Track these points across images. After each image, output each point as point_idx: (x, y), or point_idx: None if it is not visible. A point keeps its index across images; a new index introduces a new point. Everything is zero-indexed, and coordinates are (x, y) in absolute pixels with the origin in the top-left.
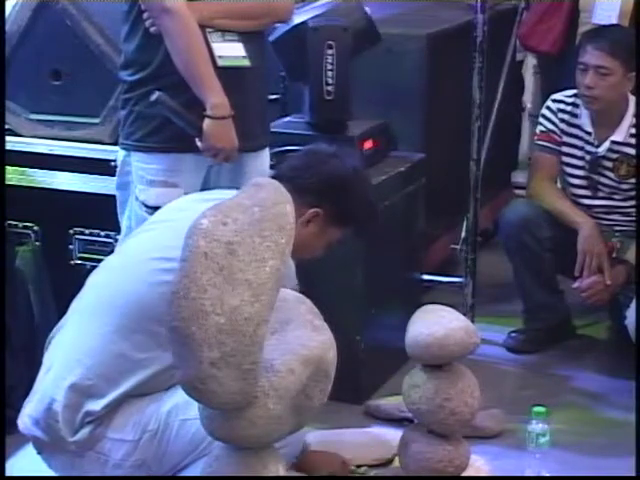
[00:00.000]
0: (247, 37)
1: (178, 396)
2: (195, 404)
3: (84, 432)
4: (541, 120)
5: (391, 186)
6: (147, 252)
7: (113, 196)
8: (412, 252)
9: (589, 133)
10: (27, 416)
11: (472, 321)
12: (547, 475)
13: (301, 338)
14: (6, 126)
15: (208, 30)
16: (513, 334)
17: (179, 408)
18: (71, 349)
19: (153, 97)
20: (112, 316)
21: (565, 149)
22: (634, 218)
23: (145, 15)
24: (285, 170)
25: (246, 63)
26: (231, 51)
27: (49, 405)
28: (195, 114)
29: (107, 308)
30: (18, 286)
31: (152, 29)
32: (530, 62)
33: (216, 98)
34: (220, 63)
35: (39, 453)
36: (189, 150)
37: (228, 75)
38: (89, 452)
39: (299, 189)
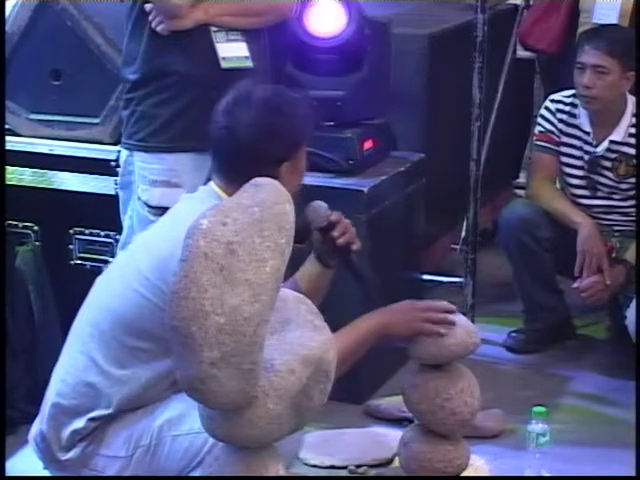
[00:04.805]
0: (250, 36)
1: (170, 410)
2: (187, 418)
3: (76, 451)
4: (539, 120)
5: (391, 186)
6: (131, 271)
7: (113, 196)
8: (412, 252)
9: (588, 133)
10: (30, 435)
11: (472, 321)
12: (547, 475)
13: (301, 338)
14: (6, 126)
15: (213, 29)
16: (513, 334)
17: (171, 423)
18: (58, 367)
19: None
20: (91, 335)
21: (564, 149)
22: (633, 218)
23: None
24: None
25: (249, 64)
26: (235, 52)
27: (40, 426)
28: None
29: (88, 324)
30: (18, 286)
31: (159, 28)
32: None
33: None
34: (224, 65)
35: (45, 468)
36: (191, 150)
37: (232, 76)
38: (84, 469)
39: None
